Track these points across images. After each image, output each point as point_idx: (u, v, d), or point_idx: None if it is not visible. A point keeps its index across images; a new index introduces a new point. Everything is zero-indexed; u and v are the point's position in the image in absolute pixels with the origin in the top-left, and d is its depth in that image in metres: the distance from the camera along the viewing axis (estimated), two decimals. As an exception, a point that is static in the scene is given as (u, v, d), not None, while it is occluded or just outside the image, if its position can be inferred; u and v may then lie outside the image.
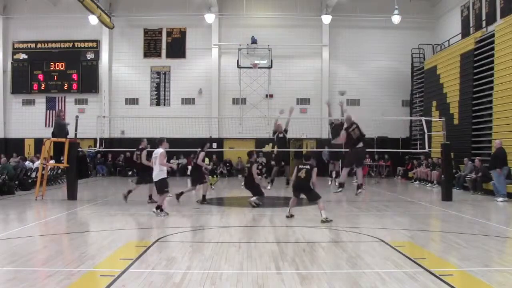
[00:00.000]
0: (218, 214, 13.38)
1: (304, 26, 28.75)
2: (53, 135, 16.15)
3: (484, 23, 22.33)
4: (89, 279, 6.34)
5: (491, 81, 19.76)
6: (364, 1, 28.18)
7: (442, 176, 16.35)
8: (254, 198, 13.70)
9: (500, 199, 15.38)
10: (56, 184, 21.16)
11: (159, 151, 11.73)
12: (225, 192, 16.01)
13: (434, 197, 17.26)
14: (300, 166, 11.32)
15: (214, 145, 26.92)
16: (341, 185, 14.11)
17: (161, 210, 11.61)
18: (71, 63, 28.99)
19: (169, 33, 29.19)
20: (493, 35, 19.97)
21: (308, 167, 11.16)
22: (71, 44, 29.04)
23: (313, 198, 11.08)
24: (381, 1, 27.17)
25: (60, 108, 28.02)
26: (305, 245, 8.52)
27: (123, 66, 29.23)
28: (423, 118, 19.76)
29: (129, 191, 14.40)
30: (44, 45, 29.06)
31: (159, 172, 11.69)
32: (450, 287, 5.89)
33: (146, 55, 29.20)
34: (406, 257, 7.46)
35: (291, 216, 11.37)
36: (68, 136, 16.05)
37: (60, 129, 16.09)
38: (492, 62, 19.81)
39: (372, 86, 28.82)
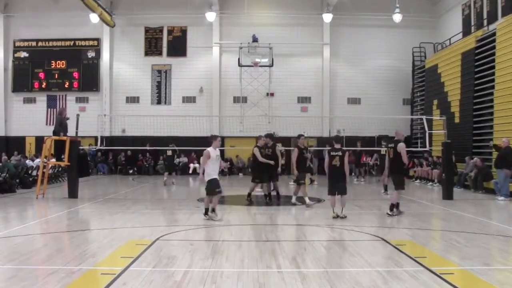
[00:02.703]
0: (219, 212, 13.37)
1: (305, 24, 28.72)
2: (54, 133, 16.14)
3: (485, 22, 22.30)
4: (90, 277, 6.34)
5: (492, 80, 19.73)
6: (365, 0, 28.15)
7: (443, 174, 16.33)
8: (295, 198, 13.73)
9: (502, 198, 15.34)
10: (57, 182, 21.19)
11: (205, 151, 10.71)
12: (226, 190, 15.99)
13: (435, 195, 17.25)
14: (332, 153, 10.93)
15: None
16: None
17: (213, 211, 10.84)
18: (72, 62, 28.98)
19: (170, 32, 29.18)
20: (494, 34, 19.93)
21: (340, 153, 10.86)
22: (72, 43, 29.04)
23: (344, 191, 10.96)
24: (382, 0, 27.13)
25: (62, 106, 28.01)
26: (306, 243, 8.52)
27: (124, 65, 29.22)
28: (424, 117, 19.74)
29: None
30: (45, 44, 29.06)
31: (209, 173, 10.71)
32: (451, 285, 5.89)
33: (147, 53, 29.19)
34: (407, 255, 7.46)
35: (338, 216, 11.00)
36: (69, 134, 16.06)
37: (62, 126, 16.08)
38: (493, 61, 19.77)
39: (373, 85, 28.81)
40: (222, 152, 26.78)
